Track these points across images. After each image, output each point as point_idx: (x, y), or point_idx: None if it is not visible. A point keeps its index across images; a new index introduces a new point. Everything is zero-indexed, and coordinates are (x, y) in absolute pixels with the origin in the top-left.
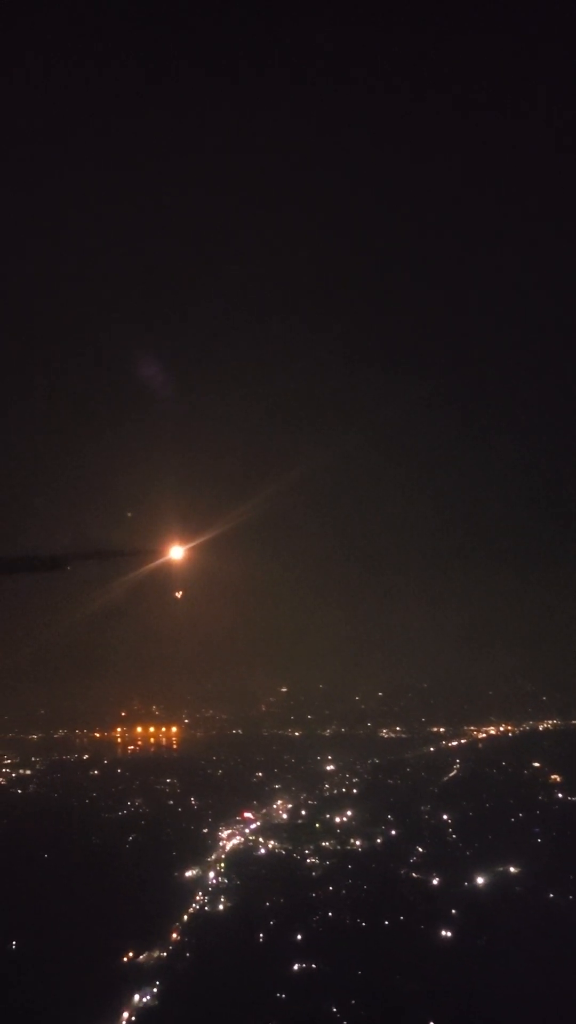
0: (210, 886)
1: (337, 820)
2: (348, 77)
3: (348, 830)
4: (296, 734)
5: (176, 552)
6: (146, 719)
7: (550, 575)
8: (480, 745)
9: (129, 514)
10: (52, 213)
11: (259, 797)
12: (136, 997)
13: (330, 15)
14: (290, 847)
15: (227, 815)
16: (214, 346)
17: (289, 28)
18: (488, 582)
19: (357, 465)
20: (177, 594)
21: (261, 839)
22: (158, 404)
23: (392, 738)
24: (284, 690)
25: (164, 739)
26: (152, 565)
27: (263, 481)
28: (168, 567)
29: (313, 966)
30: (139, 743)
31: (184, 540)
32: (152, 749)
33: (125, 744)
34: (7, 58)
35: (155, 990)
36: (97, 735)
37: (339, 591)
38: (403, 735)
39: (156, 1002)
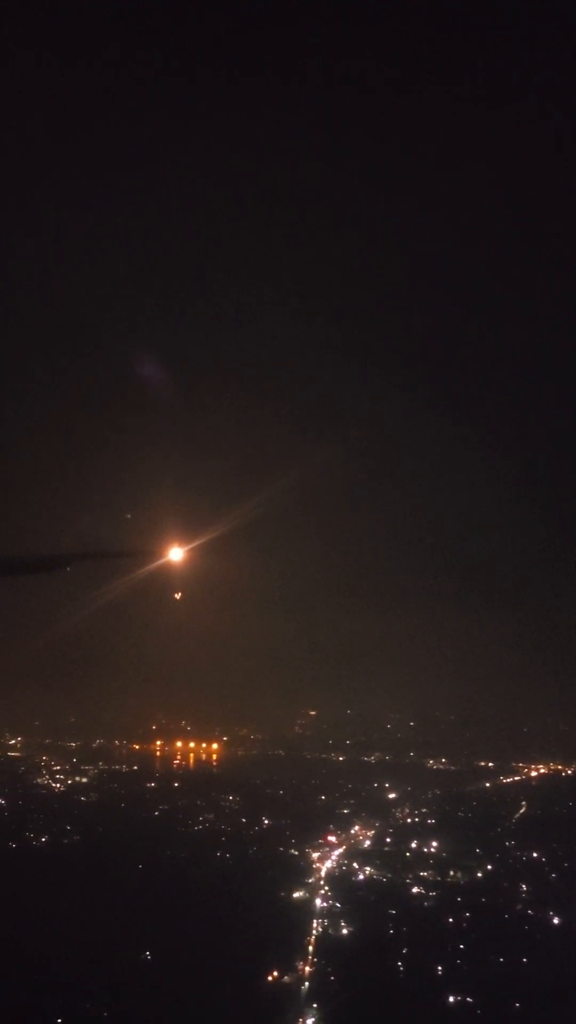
0: (322, 910)
1: (425, 850)
2: (347, 77)
3: (441, 861)
4: (340, 759)
5: (176, 553)
6: (180, 734)
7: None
8: (534, 783)
9: (128, 515)
10: (51, 212)
11: (333, 821)
12: (302, 1020)
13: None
14: (390, 875)
15: (309, 837)
16: (215, 347)
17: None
18: (513, 614)
19: (360, 472)
20: (176, 595)
21: (355, 864)
22: (158, 404)
23: (441, 770)
24: (313, 713)
25: (204, 755)
26: (152, 566)
27: (264, 483)
28: (169, 568)
29: (469, 1000)
30: (180, 758)
31: (184, 541)
32: (194, 765)
33: (167, 757)
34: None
35: (318, 1014)
36: (136, 747)
37: (351, 605)
38: (451, 767)
39: None
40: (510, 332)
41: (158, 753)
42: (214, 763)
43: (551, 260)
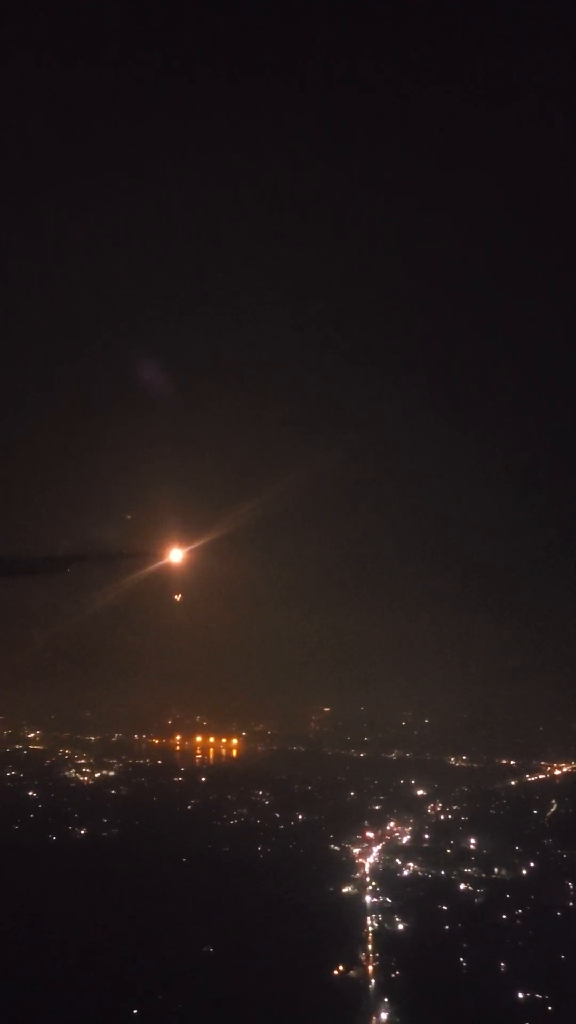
0: (374, 905)
1: (464, 847)
2: (347, 77)
3: (483, 858)
4: (361, 755)
5: (176, 555)
6: (197, 729)
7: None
8: (558, 782)
9: (128, 516)
10: (51, 213)
11: (367, 817)
12: (378, 1014)
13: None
14: (434, 871)
15: (346, 833)
16: (215, 348)
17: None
18: (518, 615)
19: (361, 473)
20: (176, 596)
21: (397, 860)
22: (158, 405)
23: (464, 767)
24: (327, 710)
25: (224, 750)
26: (154, 567)
27: (264, 485)
28: (168, 569)
29: (539, 996)
30: (200, 752)
31: (184, 543)
32: (217, 760)
33: (187, 752)
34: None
35: (391, 1009)
36: (156, 741)
37: (355, 606)
38: (474, 765)
39: (399, 1019)
40: (510, 334)
41: (178, 748)
42: (234, 758)
43: (552, 261)
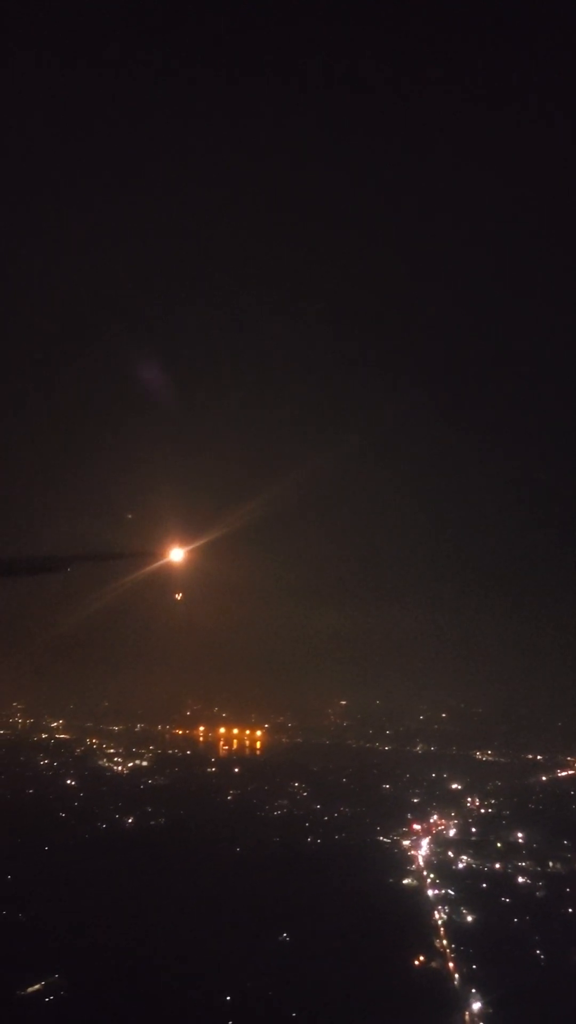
0: (437, 897)
1: (512, 841)
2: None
3: (534, 852)
4: (386, 748)
5: (176, 554)
6: (218, 720)
7: None
8: None
9: (130, 516)
10: (50, 213)
11: (409, 810)
12: (471, 1005)
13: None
14: (489, 864)
15: (392, 825)
16: (215, 349)
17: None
18: (527, 611)
19: (363, 471)
20: (177, 595)
21: (449, 853)
22: (159, 406)
23: (491, 761)
24: (344, 703)
25: (249, 741)
26: (154, 567)
27: (265, 484)
28: (171, 569)
29: None
30: (225, 743)
31: (184, 542)
32: (244, 751)
33: (212, 743)
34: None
35: (482, 1000)
36: (179, 732)
37: (360, 603)
38: (501, 759)
39: (491, 1010)
40: (510, 335)
41: (202, 739)
42: (261, 749)
43: (553, 261)
